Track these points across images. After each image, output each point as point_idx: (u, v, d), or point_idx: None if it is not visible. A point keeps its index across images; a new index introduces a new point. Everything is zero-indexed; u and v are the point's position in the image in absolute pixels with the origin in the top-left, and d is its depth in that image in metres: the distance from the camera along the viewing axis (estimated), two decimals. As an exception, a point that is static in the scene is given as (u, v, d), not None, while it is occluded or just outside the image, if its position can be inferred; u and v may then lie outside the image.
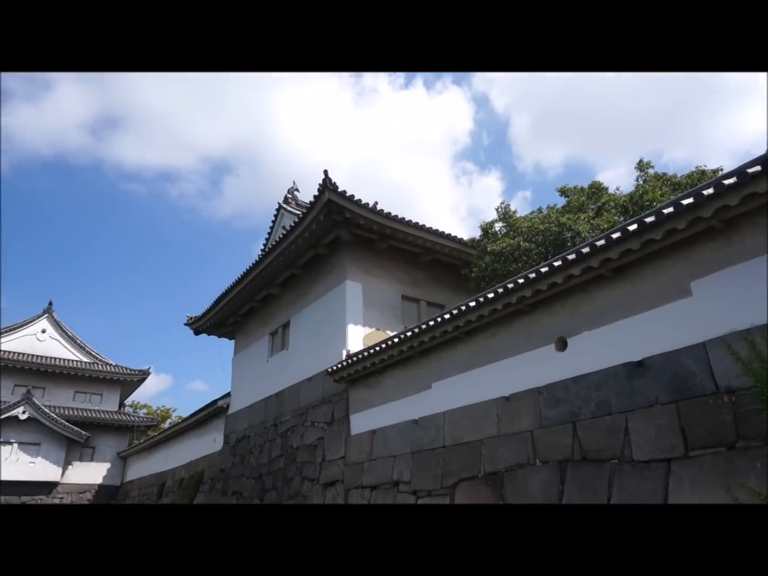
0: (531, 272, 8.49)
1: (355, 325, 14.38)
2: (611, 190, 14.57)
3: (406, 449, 10.90)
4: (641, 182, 13.51)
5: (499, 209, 15.44)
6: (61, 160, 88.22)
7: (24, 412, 29.89)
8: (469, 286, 14.86)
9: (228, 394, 21.19)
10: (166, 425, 41.19)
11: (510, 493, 8.31)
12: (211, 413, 21.91)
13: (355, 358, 12.37)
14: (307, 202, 15.33)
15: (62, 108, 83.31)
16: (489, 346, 9.67)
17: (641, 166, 13.79)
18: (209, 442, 22.13)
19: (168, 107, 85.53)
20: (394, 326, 14.85)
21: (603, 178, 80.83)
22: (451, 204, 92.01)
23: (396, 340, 11.19)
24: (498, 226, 15.43)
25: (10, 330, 34.64)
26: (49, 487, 30.69)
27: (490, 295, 9.08)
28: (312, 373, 15.23)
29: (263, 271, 17.11)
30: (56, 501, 30.62)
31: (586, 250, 7.54)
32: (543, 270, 8.17)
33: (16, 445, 30.02)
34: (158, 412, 47.11)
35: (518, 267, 13.05)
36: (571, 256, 7.77)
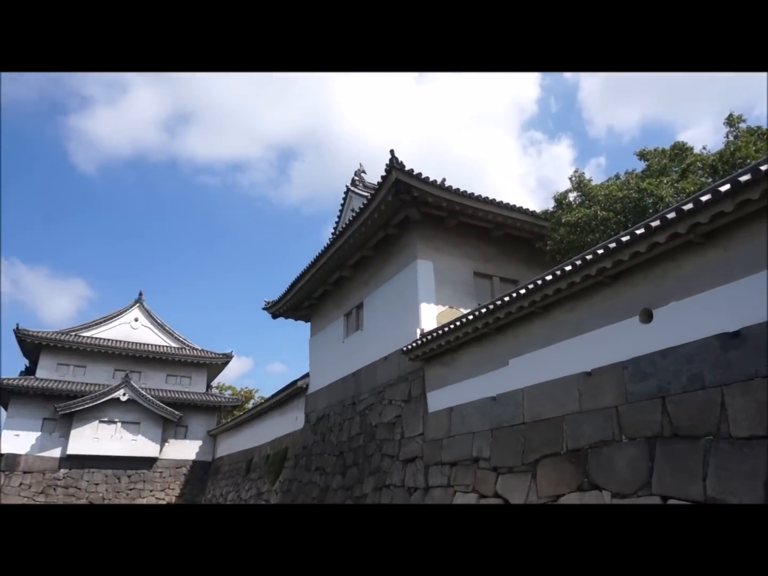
0: (611, 242, 8.12)
1: (428, 303, 14.39)
2: (696, 150, 13.58)
3: (485, 426, 10.87)
4: (731, 138, 12.47)
5: (573, 178, 14.82)
6: (140, 159, 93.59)
7: (124, 394, 32.45)
8: (544, 259, 14.45)
9: (307, 375, 21.95)
10: (249, 405, 43.35)
11: (595, 471, 8.12)
12: (291, 393, 22.81)
13: (429, 337, 12.42)
14: (375, 183, 15.39)
15: (139, 109, 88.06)
16: (568, 321, 9.39)
17: (731, 120, 12.71)
18: (291, 421, 23.08)
19: (235, 100, 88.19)
20: (467, 304, 14.74)
21: (685, 137, 75.25)
22: (520, 176, 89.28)
23: (470, 317, 11.10)
24: (572, 196, 14.83)
25: (107, 320, 37.53)
26: (149, 462, 33.26)
27: (568, 268, 8.79)
28: (387, 352, 15.45)
29: (335, 254, 17.44)
30: (156, 475, 33.15)
31: (671, 215, 7.10)
32: (624, 239, 7.79)
33: (119, 424, 32.71)
34: (242, 393, 49.63)
35: (596, 238, 12.52)
36: (655, 223, 7.34)
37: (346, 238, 16.39)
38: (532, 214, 15.49)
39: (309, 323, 23.21)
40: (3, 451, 30.27)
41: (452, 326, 11.63)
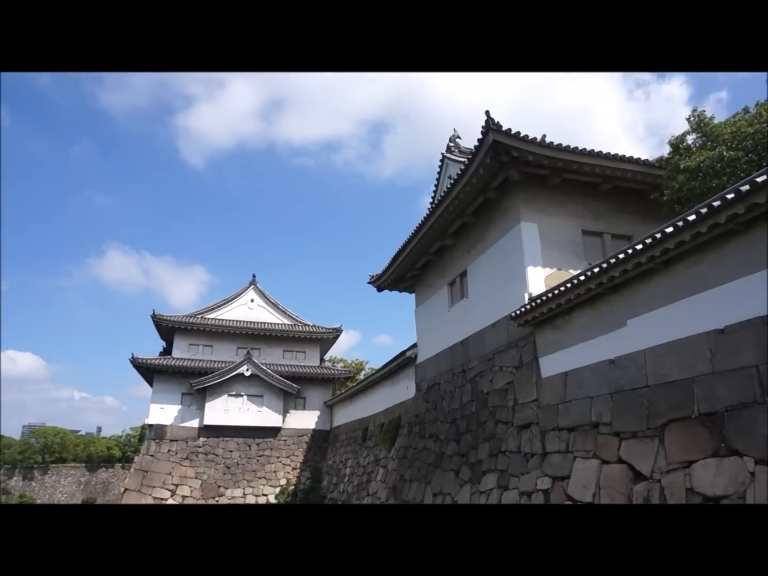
0: (742, 185, 7.30)
1: (535, 267, 13.93)
2: None
3: (603, 390, 10.43)
4: None
5: (691, 118, 13.41)
6: (241, 148, 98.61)
7: (248, 370, 35.08)
8: (660, 211, 13.34)
9: (414, 345, 22.29)
10: (361, 377, 45.01)
11: (733, 435, 7.51)
12: (401, 363, 23.32)
13: (538, 301, 12.05)
14: (471, 147, 15.01)
15: (236, 101, 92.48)
16: (693, 275, 8.65)
17: None
18: (402, 390, 23.66)
19: (322, 82, 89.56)
20: (576, 264, 14.07)
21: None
22: (626, 123, 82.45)
23: (582, 278, 10.60)
24: (691, 138, 13.44)
25: (227, 302, 40.53)
26: (274, 431, 35.87)
27: (691, 218, 8.06)
28: (495, 319, 15.25)
29: (435, 224, 17.36)
30: (281, 442, 35.69)
31: (819, 148, 6.22)
32: (759, 179, 6.98)
33: (245, 397, 35.51)
34: (353, 365, 51.59)
35: (722, 182, 11.31)
36: (799, 159, 6.48)
37: (445, 206, 16.24)
38: (644, 162, 14.31)
39: (413, 294, 23.46)
40: (152, 422, 34.21)
41: (562, 288, 11.19)
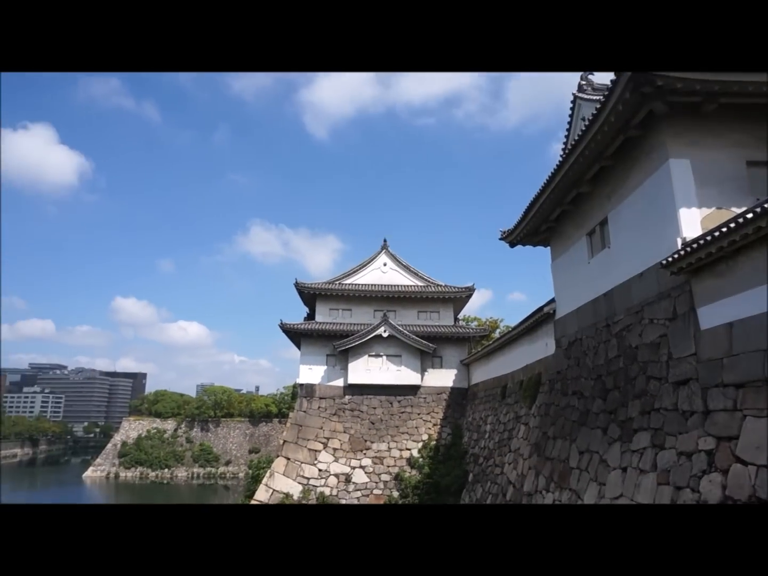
0: None
1: (689, 208, 12.54)
2: None
3: (780, 341, 9.22)
4: None
5: None
6: (362, 114, 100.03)
7: (385, 331, 36.46)
8: None
9: (552, 300, 21.47)
10: (496, 334, 44.54)
11: None
12: (538, 320, 22.65)
13: (695, 245, 10.88)
14: (607, 83, 13.70)
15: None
16: None
17: None
18: (541, 347, 23.03)
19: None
20: (739, 201, 12.40)
21: None
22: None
23: (750, 215, 9.33)
24: None
25: (361, 267, 42.17)
26: (413, 389, 37.12)
27: None
28: (642, 268, 14.09)
29: (569, 171, 16.29)
30: (421, 400, 36.89)
31: None
32: None
33: (384, 357, 37.06)
34: (487, 323, 51.20)
35: None
36: None
37: (580, 150, 15.13)
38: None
39: (548, 248, 22.45)
40: (302, 382, 37.24)
41: (725, 230, 9.96)
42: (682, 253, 11.42)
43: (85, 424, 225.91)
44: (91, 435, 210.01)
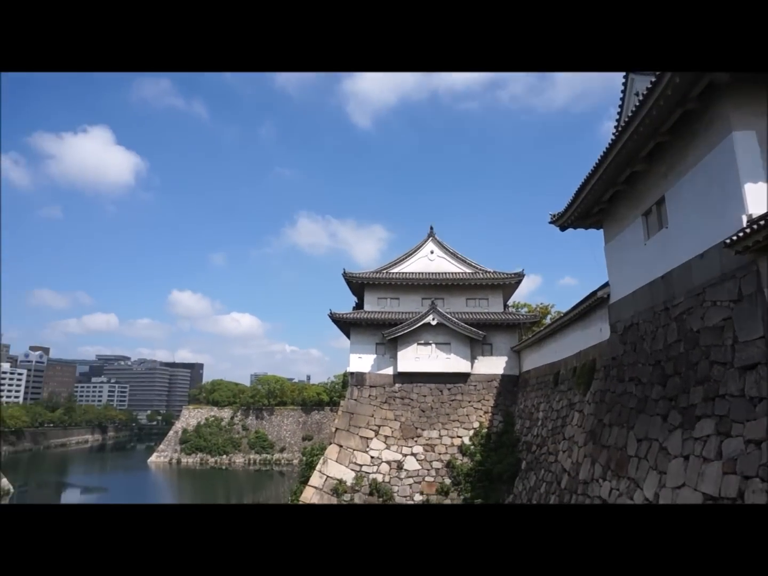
0: None
1: (754, 183, 11.84)
2: None
3: None
4: None
5: None
6: (405, 102, 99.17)
7: (433, 319, 36.36)
8: None
9: (606, 284, 20.81)
10: (547, 321, 43.62)
11: None
12: (592, 305, 22.02)
13: (762, 223, 10.26)
14: (664, 53, 13.03)
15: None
16: None
17: None
18: (595, 333, 22.40)
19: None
20: (813, 173, 11.59)
21: None
22: None
23: (823, 188, 8.71)
24: None
25: (408, 256, 42.10)
26: (463, 377, 36.92)
27: None
28: (703, 248, 13.43)
29: (623, 148, 15.66)
30: (471, 387, 36.65)
31: None
32: None
33: (433, 345, 37.00)
34: (537, 309, 50.18)
35: None
36: None
37: (634, 127, 14.49)
38: None
39: (601, 230, 21.72)
40: (352, 370, 37.70)
41: (795, 204, 9.34)
42: (747, 231, 10.80)
43: (148, 412, 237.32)
44: (154, 423, 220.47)
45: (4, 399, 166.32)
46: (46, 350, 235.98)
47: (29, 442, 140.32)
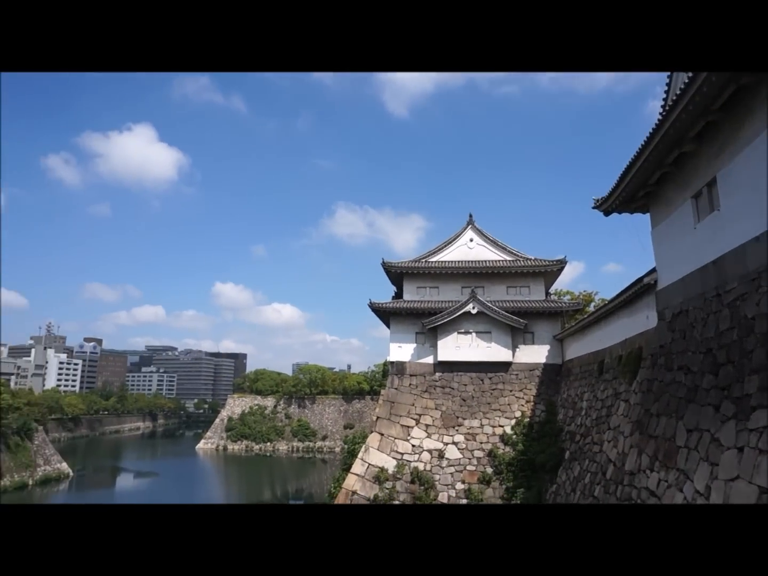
0: None
1: (815, 160, 11.17)
2: None
3: None
4: None
5: None
6: (442, 90, 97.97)
7: (474, 308, 36.06)
8: None
9: (653, 270, 20.14)
10: (590, 308, 42.60)
11: None
12: (638, 291, 21.37)
13: (823, 202, 9.69)
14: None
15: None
16: None
17: None
18: (641, 320, 21.75)
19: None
20: None
21: None
22: None
23: None
24: None
25: (447, 244, 41.80)
26: (505, 366, 36.53)
27: None
28: (758, 231, 12.80)
29: (671, 129, 15.03)
30: (513, 377, 36.24)
31: None
32: None
33: (474, 334, 36.72)
34: (581, 297, 49.08)
35: None
36: None
37: (683, 105, 13.88)
38: None
39: (647, 215, 20.98)
40: (393, 359, 37.86)
41: None
42: (807, 211, 10.23)
43: (195, 400, 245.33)
44: (201, 411, 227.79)
45: (62, 388, 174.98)
46: (99, 341, 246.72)
47: (86, 428, 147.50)
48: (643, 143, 16.53)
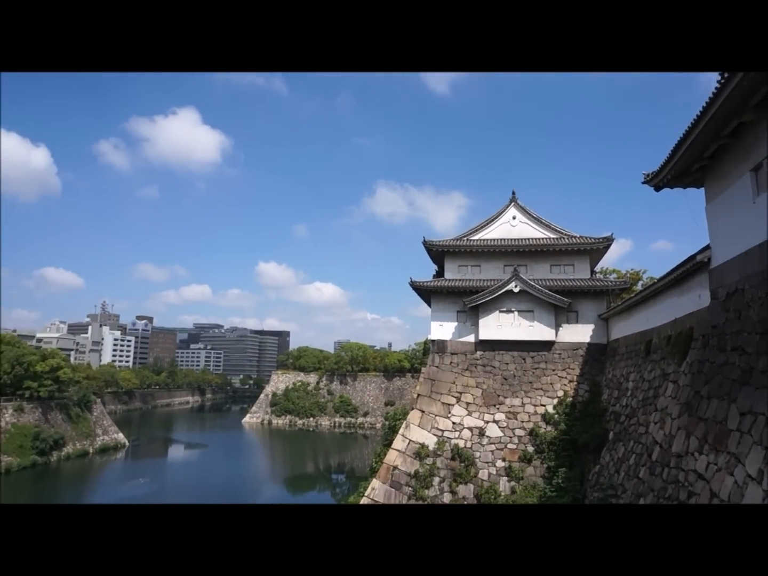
0: None
1: None
2: None
3: None
4: None
5: None
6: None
7: (516, 286, 35.58)
8: None
9: (707, 247, 19.31)
10: (638, 287, 41.33)
11: None
12: (690, 270, 20.57)
13: None
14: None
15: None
16: None
17: None
18: (693, 299, 20.97)
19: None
20: None
21: None
22: None
23: None
24: None
25: (489, 222, 41.18)
26: (547, 345, 36.03)
27: None
28: (824, 204, 12.07)
29: (729, 97, 14.22)
30: (555, 356, 35.73)
31: None
32: None
33: (516, 313, 36.30)
34: (628, 275, 47.64)
35: None
36: None
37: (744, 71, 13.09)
38: None
39: (701, 189, 20.05)
40: (434, 338, 37.92)
41: None
42: None
43: (241, 376, 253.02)
44: (246, 386, 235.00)
45: (117, 363, 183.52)
46: (150, 319, 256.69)
47: (139, 401, 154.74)
48: (699, 113, 15.72)
